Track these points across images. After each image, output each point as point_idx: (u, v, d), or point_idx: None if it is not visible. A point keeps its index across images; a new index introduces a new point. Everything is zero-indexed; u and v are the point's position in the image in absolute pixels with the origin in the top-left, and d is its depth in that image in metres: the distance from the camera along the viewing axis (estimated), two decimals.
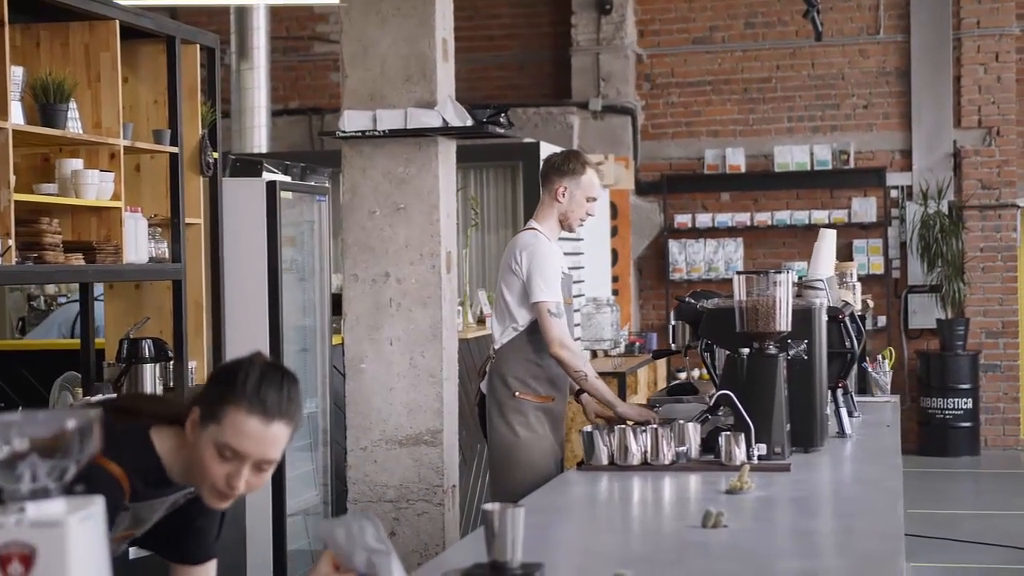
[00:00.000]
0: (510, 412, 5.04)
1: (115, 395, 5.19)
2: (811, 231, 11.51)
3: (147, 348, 5.48)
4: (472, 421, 7.48)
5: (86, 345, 5.65)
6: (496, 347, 5.15)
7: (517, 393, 5.04)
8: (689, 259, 12.74)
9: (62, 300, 8.49)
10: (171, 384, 5.67)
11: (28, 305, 8.75)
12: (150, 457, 2.62)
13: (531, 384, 5.06)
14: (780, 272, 4.40)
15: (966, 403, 12.04)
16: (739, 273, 4.43)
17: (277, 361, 2.63)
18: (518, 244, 5.12)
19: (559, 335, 4.95)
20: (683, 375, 10.49)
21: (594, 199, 5.20)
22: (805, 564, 2.98)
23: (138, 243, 5.37)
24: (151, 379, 5.54)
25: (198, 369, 5.96)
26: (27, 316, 8.61)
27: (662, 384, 10.18)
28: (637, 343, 10.64)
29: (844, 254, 12.13)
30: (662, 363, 11.33)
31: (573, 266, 9.90)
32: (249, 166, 7.40)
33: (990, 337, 12.42)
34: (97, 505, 1.82)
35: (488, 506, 2.65)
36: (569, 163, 5.18)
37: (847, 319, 5.00)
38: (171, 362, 5.67)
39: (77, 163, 5.11)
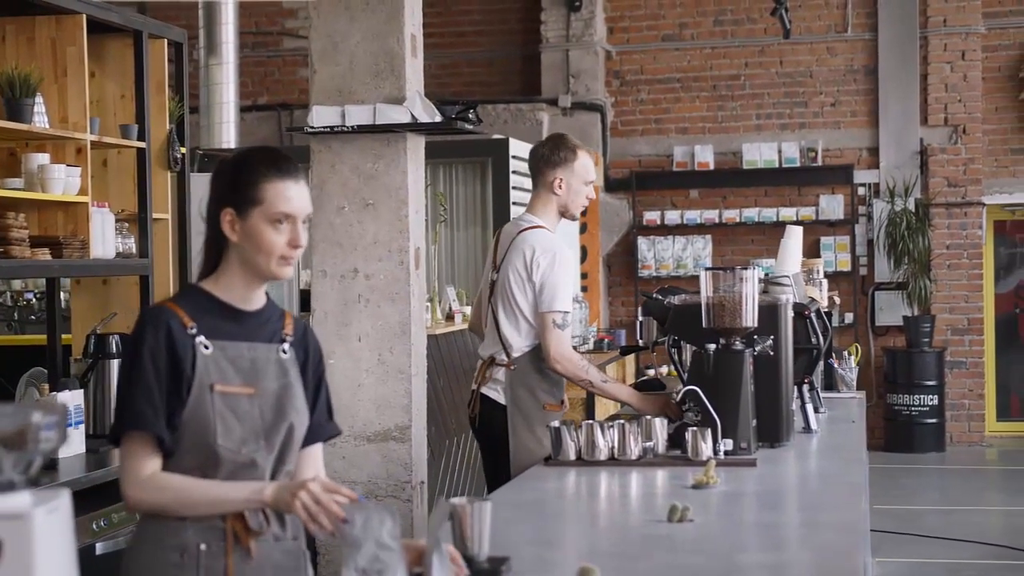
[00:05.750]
0: (537, 424, 4.86)
1: None
2: (779, 228, 11.49)
3: (114, 344, 5.45)
4: (452, 418, 7.48)
5: (52, 341, 5.62)
6: (514, 355, 4.88)
7: (546, 405, 4.90)
8: (658, 256, 12.78)
9: (28, 296, 8.45)
10: None
11: None
12: (200, 292, 2.87)
13: (555, 393, 4.94)
14: (747, 268, 4.42)
15: (932, 399, 12.12)
16: (707, 269, 4.45)
17: (252, 146, 2.97)
18: (537, 248, 4.90)
19: (556, 348, 4.77)
20: (651, 371, 10.53)
21: (591, 182, 5.02)
22: (769, 557, 3.01)
23: (105, 238, 5.35)
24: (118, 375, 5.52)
25: None
26: None
27: (631, 380, 10.21)
28: (606, 340, 10.68)
29: (811, 251, 12.19)
30: (631, 360, 11.38)
31: None
32: (217, 161, 7.37)
33: (956, 334, 12.51)
34: (63, 498, 1.82)
35: (456, 500, 2.66)
36: (559, 151, 4.95)
37: (813, 315, 5.02)
38: None
39: (43, 158, 5.09)
